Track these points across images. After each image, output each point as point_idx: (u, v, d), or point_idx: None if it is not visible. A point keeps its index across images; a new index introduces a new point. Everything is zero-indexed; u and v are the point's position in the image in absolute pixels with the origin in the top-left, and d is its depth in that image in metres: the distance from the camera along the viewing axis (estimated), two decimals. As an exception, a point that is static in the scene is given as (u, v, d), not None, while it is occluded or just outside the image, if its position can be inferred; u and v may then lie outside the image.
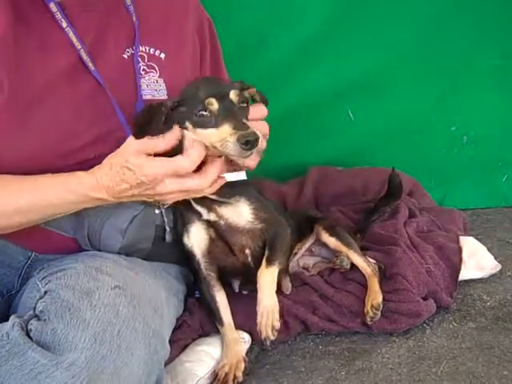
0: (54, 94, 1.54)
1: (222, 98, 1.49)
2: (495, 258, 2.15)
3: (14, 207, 1.48)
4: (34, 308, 1.44)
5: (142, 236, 1.66)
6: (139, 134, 1.45)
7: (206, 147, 1.48)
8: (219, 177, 1.56)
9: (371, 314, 1.82)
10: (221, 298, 1.81)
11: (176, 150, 1.49)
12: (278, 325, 1.65)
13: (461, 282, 2.06)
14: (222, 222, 1.71)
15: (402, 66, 2.55)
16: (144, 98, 1.65)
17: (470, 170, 2.72)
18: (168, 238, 1.70)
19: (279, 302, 1.70)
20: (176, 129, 1.49)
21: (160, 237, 1.69)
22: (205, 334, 1.87)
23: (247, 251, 1.77)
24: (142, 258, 1.70)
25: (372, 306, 1.83)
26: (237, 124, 1.44)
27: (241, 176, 1.66)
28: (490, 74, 2.60)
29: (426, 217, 2.33)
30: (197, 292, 1.92)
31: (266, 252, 1.73)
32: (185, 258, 1.78)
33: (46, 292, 1.47)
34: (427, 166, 2.69)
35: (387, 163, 2.40)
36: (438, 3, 2.46)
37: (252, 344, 1.84)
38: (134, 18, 1.67)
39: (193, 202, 1.69)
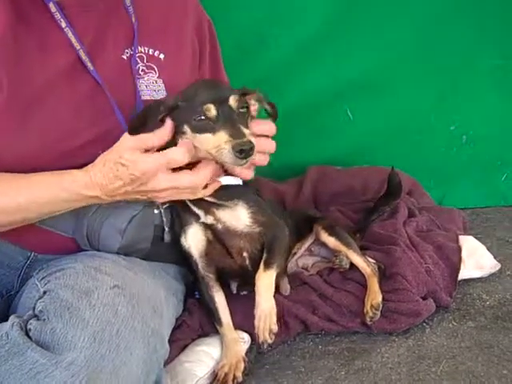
0: (54, 93, 1.55)
1: (221, 103, 1.49)
2: (495, 257, 2.15)
3: (15, 204, 1.48)
4: (34, 308, 1.44)
5: (141, 236, 1.66)
6: (134, 131, 1.46)
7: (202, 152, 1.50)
8: (214, 180, 1.57)
9: (371, 313, 1.82)
10: (219, 299, 1.81)
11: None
12: (275, 328, 1.64)
13: (460, 281, 2.06)
14: (220, 226, 1.70)
15: (402, 66, 2.55)
16: (143, 98, 1.65)
17: (470, 170, 2.71)
18: (167, 238, 1.70)
19: (278, 302, 1.71)
20: (168, 123, 1.50)
21: (159, 237, 1.69)
22: (204, 334, 1.87)
23: (245, 254, 1.77)
24: (141, 257, 1.70)
25: (372, 305, 1.83)
26: (233, 132, 1.45)
27: (237, 180, 1.66)
28: (490, 74, 2.60)
29: (426, 216, 2.33)
30: (196, 293, 1.92)
31: (264, 255, 1.72)
32: (183, 258, 1.78)
33: (45, 292, 1.48)
34: (426, 166, 2.69)
35: (387, 163, 2.40)
36: (437, 3, 2.46)
37: (251, 344, 1.84)
38: (134, 19, 1.67)
39: (190, 204, 1.68)
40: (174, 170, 1.50)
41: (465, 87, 2.61)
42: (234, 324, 1.81)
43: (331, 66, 2.53)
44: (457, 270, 2.04)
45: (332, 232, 2.01)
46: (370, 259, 1.99)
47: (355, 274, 1.97)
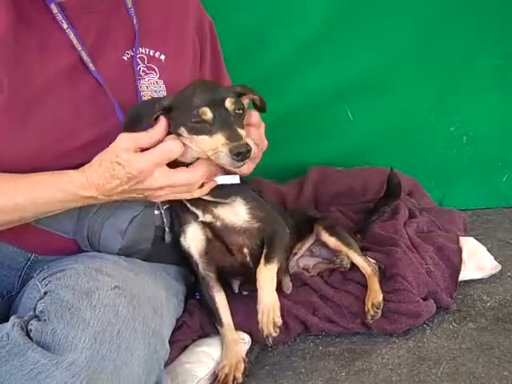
0: (54, 93, 1.54)
1: (217, 106, 1.49)
2: (495, 259, 2.15)
3: (13, 204, 1.48)
4: (34, 308, 1.44)
5: (142, 237, 1.66)
6: (128, 127, 1.47)
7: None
8: (210, 179, 1.57)
9: (372, 312, 1.82)
10: (220, 299, 1.81)
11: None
12: (279, 321, 1.63)
13: (461, 282, 2.06)
14: (219, 223, 1.70)
15: (402, 65, 2.55)
16: (144, 99, 1.65)
17: (470, 170, 2.71)
18: (167, 238, 1.70)
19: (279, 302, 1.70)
20: (162, 121, 1.50)
21: (159, 237, 1.69)
22: (205, 335, 1.87)
23: (245, 250, 1.76)
24: (142, 258, 1.70)
25: (373, 304, 1.83)
26: (230, 134, 1.45)
27: (234, 179, 1.65)
28: (490, 74, 2.60)
29: (426, 217, 2.33)
30: (197, 293, 1.92)
31: (265, 250, 1.72)
32: (183, 258, 1.77)
33: (45, 292, 1.47)
34: (427, 166, 2.69)
35: (387, 163, 2.39)
36: (437, 3, 2.46)
37: (252, 345, 1.84)
38: (135, 21, 1.67)
39: (188, 204, 1.68)
40: (171, 168, 1.51)
41: (465, 87, 2.61)
42: (234, 324, 1.81)
43: (331, 66, 2.53)
44: (457, 271, 2.04)
45: (333, 232, 2.01)
46: (370, 259, 1.99)
47: (356, 274, 1.97)
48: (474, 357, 1.75)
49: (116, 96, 1.59)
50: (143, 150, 1.47)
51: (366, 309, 1.84)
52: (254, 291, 1.71)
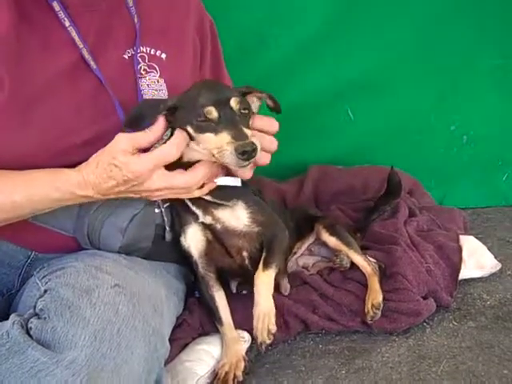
0: (55, 91, 1.55)
1: (222, 105, 1.49)
2: (495, 257, 2.15)
3: (10, 201, 1.48)
4: (34, 306, 1.45)
5: (142, 235, 1.66)
6: (129, 125, 1.47)
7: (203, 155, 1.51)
8: (210, 180, 1.57)
9: (371, 313, 1.82)
10: (220, 298, 1.81)
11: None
12: (273, 329, 1.63)
13: (461, 281, 2.06)
14: (219, 226, 1.70)
15: (402, 66, 2.55)
16: (144, 97, 1.65)
17: (470, 170, 2.71)
18: (168, 237, 1.70)
19: (279, 301, 1.70)
20: (161, 121, 1.49)
21: (160, 236, 1.69)
22: (205, 333, 1.87)
23: (244, 253, 1.77)
24: (142, 257, 1.70)
25: (372, 305, 1.83)
26: (236, 133, 1.45)
27: (235, 181, 1.65)
28: (490, 74, 2.60)
29: (426, 216, 2.33)
30: (196, 292, 1.92)
31: (263, 254, 1.71)
32: (183, 257, 1.77)
33: (45, 290, 1.48)
34: (427, 166, 2.69)
35: (387, 163, 2.39)
36: (437, 3, 2.46)
37: (252, 343, 1.83)
38: (136, 19, 1.67)
39: (189, 203, 1.68)
40: (170, 169, 1.50)
41: (465, 87, 2.61)
42: (234, 323, 1.81)
43: (331, 66, 2.53)
44: (457, 269, 2.04)
45: (333, 232, 2.01)
46: (370, 258, 1.99)
47: (356, 273, 1.97)
48: (473, 355, 1.75)
49: (117, 94, 1.59)
50: (142, 150, 1.47)
51: (366, 310, 1.84)
52: (252, 291, 1.70)
